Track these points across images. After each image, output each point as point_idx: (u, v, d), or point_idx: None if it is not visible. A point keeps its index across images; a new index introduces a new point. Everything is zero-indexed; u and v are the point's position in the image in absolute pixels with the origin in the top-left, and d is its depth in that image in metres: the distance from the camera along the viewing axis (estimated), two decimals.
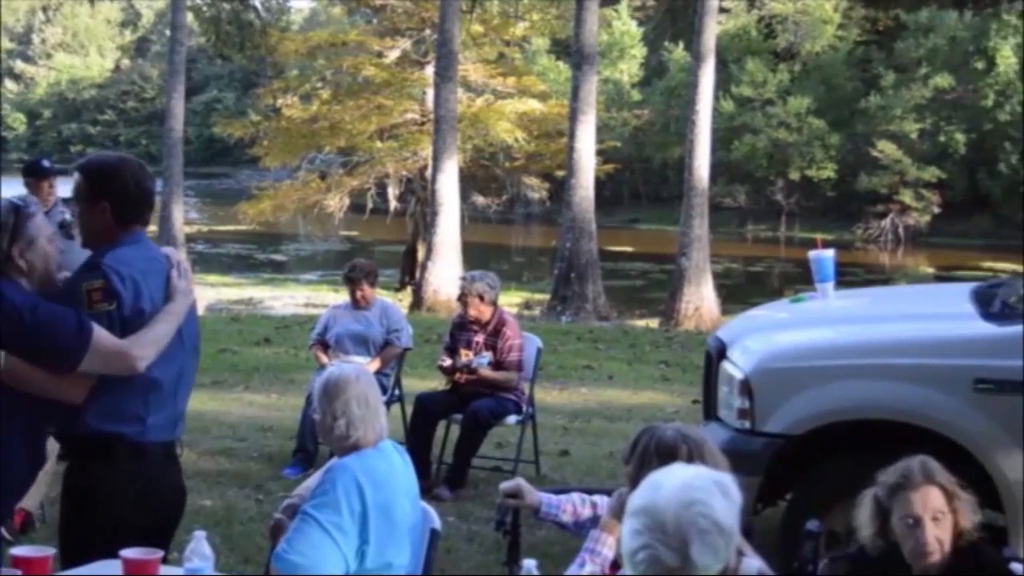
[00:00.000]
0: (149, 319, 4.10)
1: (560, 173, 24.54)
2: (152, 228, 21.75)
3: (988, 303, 6.43)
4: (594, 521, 4.19)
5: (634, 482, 3.88)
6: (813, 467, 6.02)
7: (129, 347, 4.02)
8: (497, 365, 8.43)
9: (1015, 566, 4.05)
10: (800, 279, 20.68)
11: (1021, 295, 6.43)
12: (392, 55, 27.79)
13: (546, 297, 22.38)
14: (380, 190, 28.30)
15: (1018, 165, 38.27)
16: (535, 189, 30.29)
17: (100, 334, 3.97)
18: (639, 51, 46.13)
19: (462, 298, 8.61)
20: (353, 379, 4.26)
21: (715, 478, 2.77)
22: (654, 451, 3.79)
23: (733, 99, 41.80)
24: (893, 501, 3.91)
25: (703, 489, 2.69)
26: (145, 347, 4.05)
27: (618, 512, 4.00)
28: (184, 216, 25.28)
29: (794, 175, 41.49)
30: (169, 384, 4.22)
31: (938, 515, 3.86)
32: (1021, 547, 5.67)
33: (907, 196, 39.42)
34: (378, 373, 8.42)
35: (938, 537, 3.85)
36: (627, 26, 45.69)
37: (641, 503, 2.67)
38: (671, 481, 2.71)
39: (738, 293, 24.69)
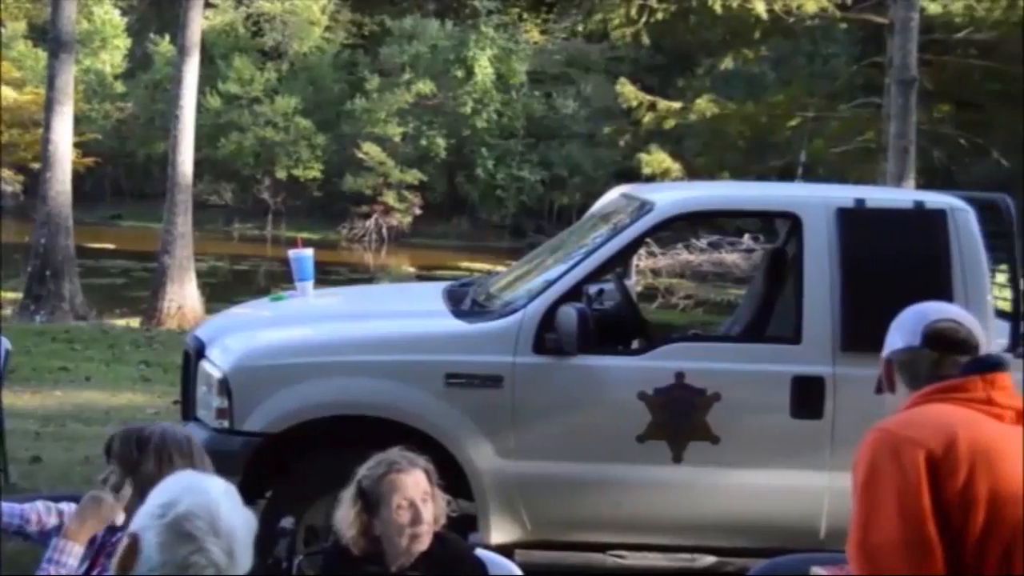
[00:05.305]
0: None
1: (35, 165, 23.43)
2: None
3: (459, 301, 6.70)
4: (59, 530, 4.00)
5: (140, 480, 3.76)
6: (292, 464, 6.05)
7: None
8: None
9: (481, 552, 4.24)
10: (286, 278, 20.76)
11: (489, 293, 6.73)
12: None
13: (19, 296, 21.29)
14: None
15: (493, 170, 40.40)
16: (8, 182, 28.90)
17: None
18: (123, 41, 44.80)
19: None
20: None
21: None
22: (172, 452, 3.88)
23: (220, 96, 41.54)
24: (382, 491, 3.97)
25: (236, 494, 2.70)
26: None
27: (85, 518, 3.84)
28: None
29: (281, 174, 41.75)
30: None
31: (426, 496, 4.00)
32: (489, 534, 5.94)
33: (390, 197, 40.57)
34: None
35: (428, 519, 3.97)
36: (110, 15, 44.26)
37: (189, 507, 2.58)
38: (215, 485, 2.68)
39: (223, 291, 24.47)
